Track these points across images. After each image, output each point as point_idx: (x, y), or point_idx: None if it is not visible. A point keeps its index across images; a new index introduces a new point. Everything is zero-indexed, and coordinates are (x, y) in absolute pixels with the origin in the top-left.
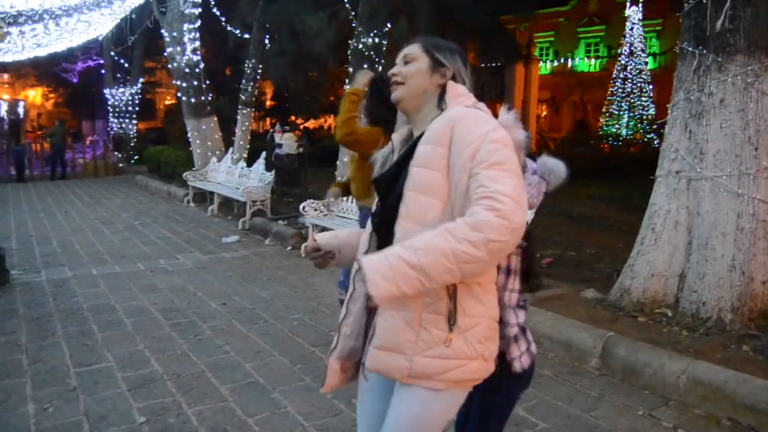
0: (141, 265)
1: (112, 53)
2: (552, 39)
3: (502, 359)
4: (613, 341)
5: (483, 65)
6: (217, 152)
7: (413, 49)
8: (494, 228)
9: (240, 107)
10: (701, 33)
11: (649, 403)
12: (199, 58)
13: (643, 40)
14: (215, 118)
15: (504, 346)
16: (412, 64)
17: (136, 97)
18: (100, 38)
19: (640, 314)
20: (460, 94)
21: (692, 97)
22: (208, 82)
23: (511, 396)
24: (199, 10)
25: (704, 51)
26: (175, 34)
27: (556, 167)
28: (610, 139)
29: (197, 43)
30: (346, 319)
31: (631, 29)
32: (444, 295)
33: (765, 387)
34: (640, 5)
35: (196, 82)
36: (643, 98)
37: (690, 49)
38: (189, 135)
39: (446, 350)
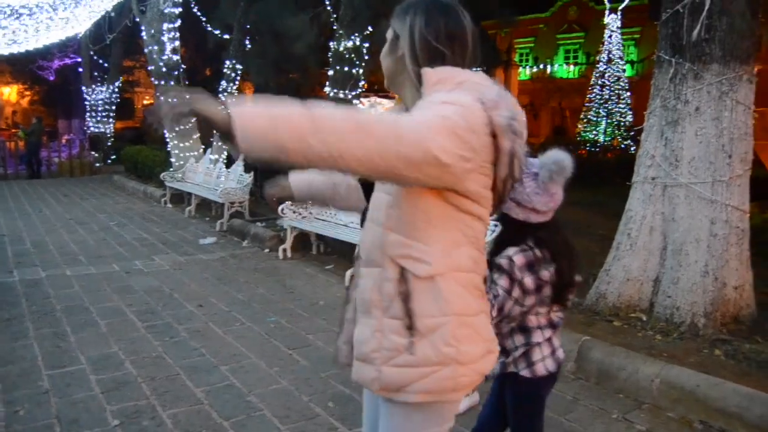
0: (116, 266)
1: (90, 51)
2: (532, 45)
3: (525, 361)
4: (589, 345)
5: None
6: (196, 153)
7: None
8: (383, 125)
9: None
10: (678, 42)
11: (623, 406)
12: (178, 57)
13: (622, 48)
14: (193, 119)
15: (527, 352)
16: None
17: (114, 96)
18: (79, 36)
19: (616, 318)
20: (438, 80)
21: (668, 105)
22: (187, 82)
23: (536, 396)
24: (180, 9)
25: (681, 60)
26: (154, 33)
27: (555, 166)
28: (588, 145)
29: (177, 43)
30: (348, 305)
31: (610, 37)
32: (395, 295)
33: (736, 390)
34: (619, 13)
35: (175, 82)
36: (621, 105)
37: (667, 57)
38: (167, 135)
39: (411, 358)
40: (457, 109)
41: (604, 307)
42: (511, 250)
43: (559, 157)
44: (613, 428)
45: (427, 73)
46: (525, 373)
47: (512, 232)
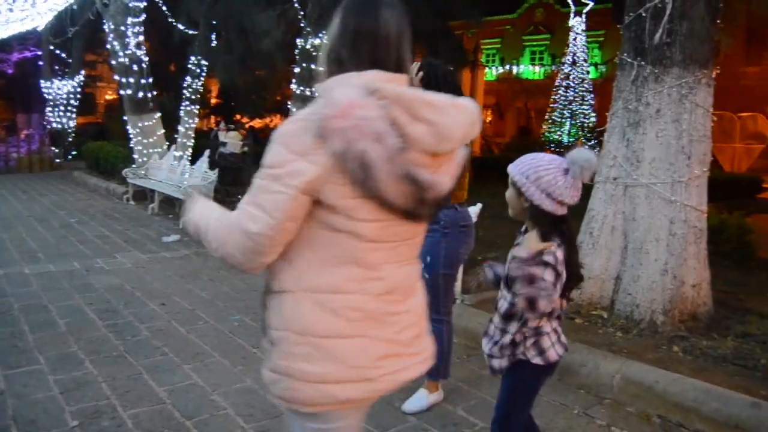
0: (77, 264)
1: (51, 45)
2: (498, 46)
3: (536, 350)
4: None
5: None
6: (159, 149)
7: None
8: (230, 230)
9: (184, 104)
10: (640, 45)
11: (585, 402)
12: (142, 52)
13: (586, 50)
14: (158, 115)
15: (537, 341)
16: None
17: (76, 90)
18: (39, 29)
19: (578, 316)
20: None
21: (630, 107)
22: (151, 77)
23: (539, 382)
24: (144, 3)
25: (642, 62)
26: (117, 27)
27: (587, 163)
28: (553, 145)
29: (141, 38)
30: None
31: (575, 39)
32: (262, 304)
33: (693, 385)
34: (584, 16)
35: (138, 78)
36: (585, 106)
37: (629, 60)
38: (130, 131)
39: (272, 362)
40: (276, 147)
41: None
42: (549, 245)
43: (588, 155)
44: (575, 423)
45: (316, 91)
46: (537, 360)
47: (547, 225)
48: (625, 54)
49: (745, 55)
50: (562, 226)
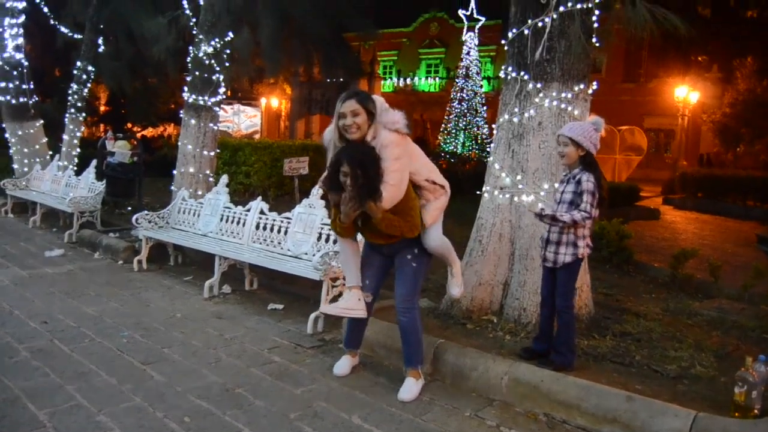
0: None
1: None
2: (395, 58)
3: (574, 251)
4: (443, 347)
5: (328, 80)
6: (42, 159)
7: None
8: None
9: (69, 112)
10: (523, 60)
11: (476, 404)
12: (22, 55)
13: (479, 64)
14: (40, 122)
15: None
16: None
17: None
18: None
19: (469, 321)
20: None
21: (515, 119)
22: (32, 82)
23: (579, 268)
24: (24, 3)
25: (525, 77)
26: None
27: (602, 124)
28: (448, 156)
29: (20, 40)
30: None
31: (468, 53)
32: None
33: (575, 383)
34: (476, 31)
35: (18, 82)
36: (478, 119)
37: (513, 74)
38: (9, 139)
39: None
40: None
41: (458, 311)
42: (591, 177)
43: (601, 120)
44: (466, 425)
45: None
46: (571, 257)
47: (594, 164)
48: (510, 68)
49: (624, 72)
50: (596, 164)
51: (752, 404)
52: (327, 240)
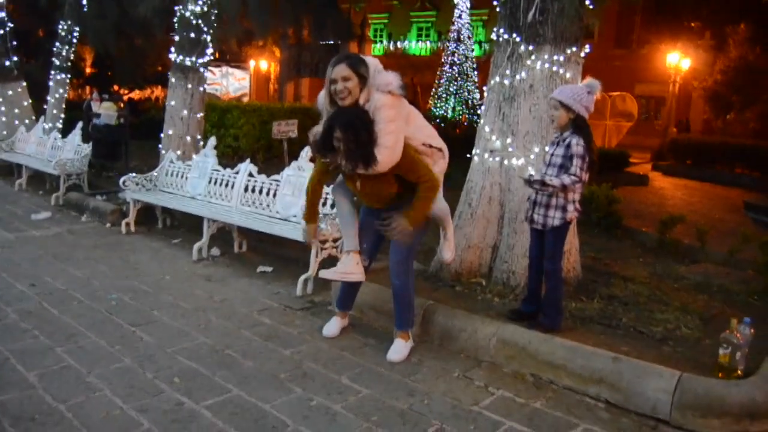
0: None
1: None
2: (386, 21)
3: (562, 214)
4: (432, 309)
5: (318, 43)
6: (27, 121)
7: None
8: None
9: (54, 72)
10: (515, 22)
11: (464, 365)
12: (3, 15)
13: (470, 28)
14: (24, 83)
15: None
16: None
17: None
18: None
19: (458, 284)
20: None
21: (506, 82)
22: (15, 42)
23: (567, 231)
24: None
25: (517, 39)
26: None
27: (597, 86)
28: (438, 120)
29: None
30: None
31: (460, 17)
32: None
33: (561, 344)
34: None
35: (0, 43)
36: (469, 83)
37: (505, 36)
38: None
39: None
40: None
41: (447, 273)
42: (581, 141)
43: (596, 82)
44: (455, 386)
45: None
46: (560, 221)
47: (585, 127)
48: (502, 30)
49: (615, 38)
50: (587, 128)
51: (736, 365)
52: None
